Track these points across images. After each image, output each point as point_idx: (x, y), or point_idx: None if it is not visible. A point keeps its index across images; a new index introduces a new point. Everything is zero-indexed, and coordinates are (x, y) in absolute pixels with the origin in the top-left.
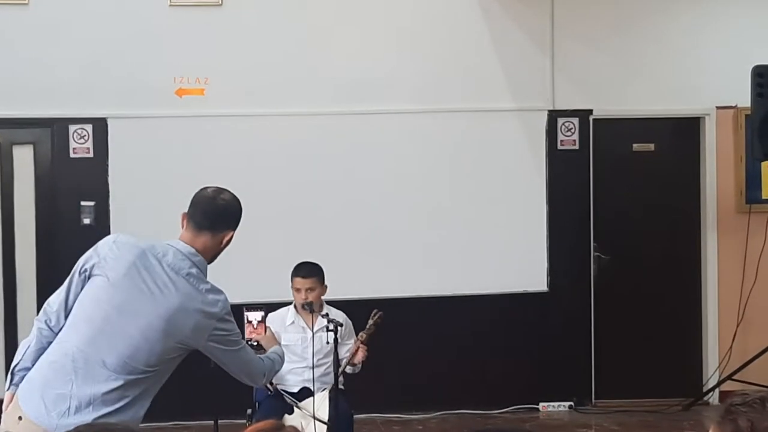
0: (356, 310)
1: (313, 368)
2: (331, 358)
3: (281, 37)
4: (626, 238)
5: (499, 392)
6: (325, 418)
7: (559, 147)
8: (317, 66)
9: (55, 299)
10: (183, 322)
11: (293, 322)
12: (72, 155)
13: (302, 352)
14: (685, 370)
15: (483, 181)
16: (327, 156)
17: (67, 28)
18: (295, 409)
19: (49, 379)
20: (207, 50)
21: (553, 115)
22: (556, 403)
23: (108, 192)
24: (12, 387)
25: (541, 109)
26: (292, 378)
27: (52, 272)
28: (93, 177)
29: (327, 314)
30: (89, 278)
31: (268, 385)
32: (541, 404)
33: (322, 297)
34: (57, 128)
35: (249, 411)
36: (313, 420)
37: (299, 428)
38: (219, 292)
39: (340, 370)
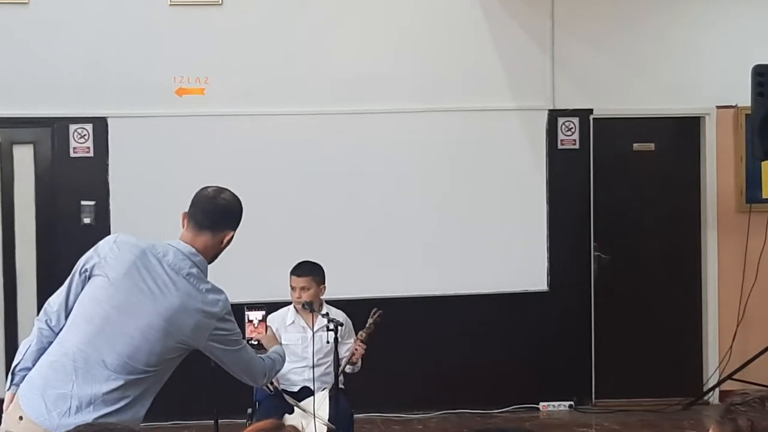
0: (356, 309)
1: (313, 368)
2: (331, 358)
3: (281, 36)
4: (626, 238)
5: (499, 392)
6: (326, 417)
7: (560, 146)
8: (317, 65)
9: (56, 299)
10: (183, 322)
11: (293, 322)
12: (72, 155)
13: (302, 351)
14: (686, 369)
15: (483, 181)
16: (327, 155)
17: (68, 27)
18: (296, 408)
19: (50, 379)
20: (207, 50)
21: (554, 115)
22: (556, 403)
23: (108, 191)
24: (12, 387)
25: (541, 108)
26: (292, 377)
27: (52, 271)
28: (93, 176)
29: (327, 314)
30: (89, 278)
31: (269, 385)
32: (542, 404)
33: (322, 297)
34: (57, 127)
35: (249, 410)
36: (313, 419)
37: (299, 428)
38: (219, 291)
39: (340, 369)
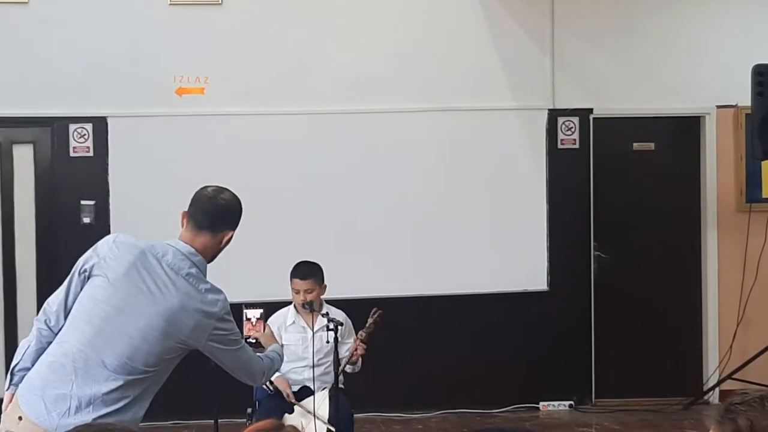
0: (356, 309)
1: (313, 367)
2: (331, 358)
3: (281, 36)
4: (626, 237)
5: (499, 391)
6: (326, 417)
7: (560, 146)
8: (318, 65)
9: (55, 299)
10: (183, 322)
11: (294, 322)
12: (72, 154)
13: (303, 351)
14: (686, 369)
15: (483, 180)
16: (327, 155)
17: (67, 26)
18: (296, 408)
19: (49, 380)
20: (207, 49)
21: (554, 114)
22: (556, 403)
23: (108, 191)
24: (12, 387)
25: (541, 108)
26: (292, 377)
27: (52, 271)
28: (93, 176)
29: (327, 313)
30: (89, 278)
31: (269, 385)
32: (542, 403)
33: (322, 296)
34: (57, 127)
35: (249, 410)
36: (313, 419)
37: (299, 428)
38: (218, 291)
39: (340, 369)
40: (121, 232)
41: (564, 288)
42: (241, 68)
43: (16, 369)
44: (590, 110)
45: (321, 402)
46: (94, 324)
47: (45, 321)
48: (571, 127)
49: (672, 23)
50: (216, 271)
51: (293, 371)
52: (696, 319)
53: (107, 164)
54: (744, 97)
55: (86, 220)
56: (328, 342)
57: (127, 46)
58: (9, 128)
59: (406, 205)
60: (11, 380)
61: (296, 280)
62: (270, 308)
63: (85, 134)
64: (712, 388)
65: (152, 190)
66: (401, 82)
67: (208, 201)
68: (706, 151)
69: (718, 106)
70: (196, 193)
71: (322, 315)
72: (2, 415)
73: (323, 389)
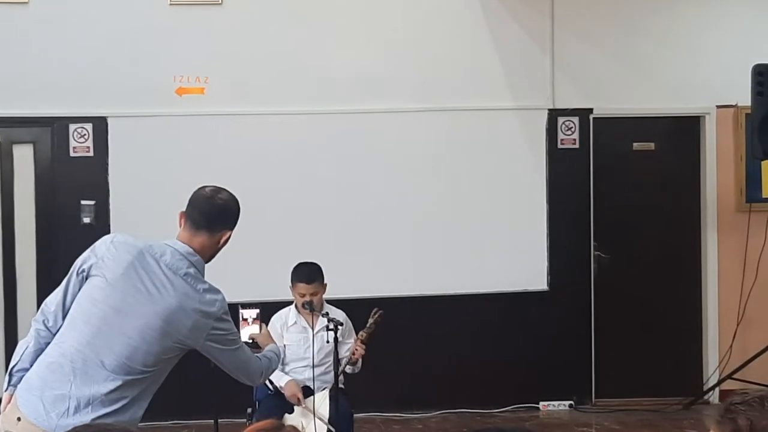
0: (356, 309)
1: (313, 367)
2: (331, 358)
3: (281, 36)
4: (626, 237)
5: (499, 391)
6: (326, 417)
7: (560, 146)
8: (318, 65)
9: (53, 299)
10: (181, 322)
11: (295, 323)
12: (72, 154)
13: (304, 351)
14: (686, 369)
15: (483, 180)
16: (326, 155)
17: (67, 26)
18: (296, 408)
19: (48, 380)
20: (207, 49)
21: (554, 114)
22: (556, 402)
23: (108, 191)
24: (10, 388)
25: (541, 107)
26: (293, 377)
27: (52, 271)
28: (93, 176)
29: (327, 313)
30: (87, 278)
31: (269, 385)
32: (542, 403)
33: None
34: (57, 127)
35: (249, 410)
36: (313, 419)
37: (299, 428)
38: (217, 291)
39: (340, 369)
40: (119, 232)
41: (564, 288)
42: (241, 68)
43: (15, 370)
44: (590, 110)
45: (321, 402)
46: (93, 324)
47: (43, 321)
48: (571, 127)
49: (672, 23)
50: (214, 271)
51: (294, 371)
52: (696, 319)
53: (107, 164)
54: (744, 97)
55: (86, 220)
56: (328, 342)
57: (127, 46)
58: (9, 128)
59: (405, 205)
60: (10, 381)
61: (301, 285)
62: (267, 308)
63: (85, 134)
64: (712, 388)
65: (152, 190)
66: (401, 82)
67: (206, 201)
68: (706, 151)
69: (718, 106)
70: (194, 193)
71: (323, 315)
72: (1, 416)
73: (323, 389)
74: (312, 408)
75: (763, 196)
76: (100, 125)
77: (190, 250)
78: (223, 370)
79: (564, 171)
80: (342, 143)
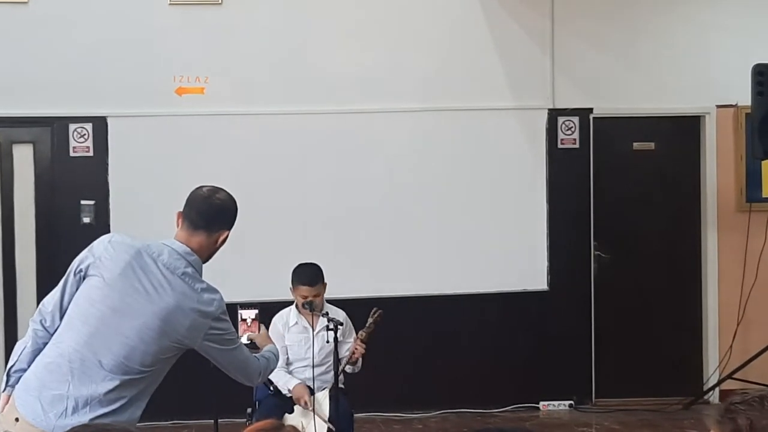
0: (356, 309)
1: (313, 367)
2: (332, 357)
3: (281, 35)
4: (626, 237)
5: (499, 391)
6: (326, 416)
7: (560, 145)
8: (317, 65)
9: (50, 300)
10: (179, 322)
11: (296, 323)
12: (72, 154)
13: (305, 352)
14: (686, 368)
15: (483, 180)
16: (326, 154)
17: (67, 26)
18: (296, 407)
19: (46, 381)
20: (207, 49)
21: (554, 114)
22: (556, 402)
23: (108, 191)
24: (8, 389)
25: (541, 107)
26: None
27: (52, 271)
28: (93, 176)
29: (327, 313)
30: (84, 278)
31: (268, 384)
32: (542, 403)
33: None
34: (57, 127)
35: (249, 410)
36: (313, 419)
37: (299, 427)
38: (214, 291)
39: (340, 368)
40: (117, 232)
41: (564, 288)
42: (240, 68)
43: (13, 370)
44: (590, 110)
45: (321, 402)
46: (90, 324)
47: (41, 321)
48: (571, 127)
49: (672, 23)
50: (213, 271)
51: (294, 371)
52: (696, 318)
53: (107, 164)
54: (744, 97)
55: (86, 219)
56: (328, 342)
57: (126, 46)
58: (9, 128)
59: (405, 205)
60: (7, 381)
61: (303, 287)
62: (266, 308)
63: (84, 134)
64: (713, 387)
65: (152, 190)
66: (401, 82)
67: (203, 201)
68: (706, 151)
69: (718, 106)
70: (191, 193)
71: (323, 315)
72: None
73: (323, 389)
74: (312, 408)
75: (763, 195)
76: (100, 125)
77: (188, 249)
78: (222, 370)
79: (564, 171)
80: (342, 143)
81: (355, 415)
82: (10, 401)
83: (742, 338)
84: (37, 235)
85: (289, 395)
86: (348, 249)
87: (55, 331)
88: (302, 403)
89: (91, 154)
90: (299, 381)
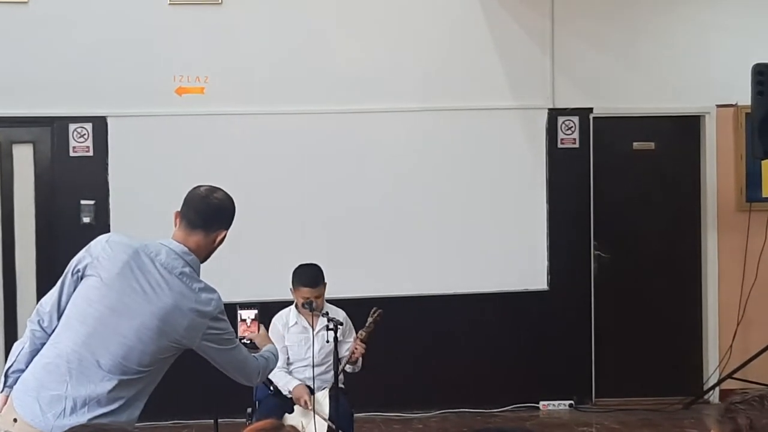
0: (356, 309)
1: (313, 367)
2: (332, 357)
3: (281, 35)
4: (626, 237)
5: (499, 391)
6: (326, 416)
7: (560, 145)
8: (317, 64)
9: (48, 300)
10: (177, 322)
11: (296, 323)
12: (72, 154)
13: (305, 352)
14: (686, 368)
15: (483, 180)
16: (326, 154)
17: (67, 26)
18: (296, 408)
19: (44, 381)
20: (207, 49)
21: (554, 114)
22: (556, 402)
23: (108, 191)
24: (6, 389)
25: (541, 107)
26: (293, 376)
27: (52, 271)
28: (93, 176)
29: (327, 313)
30: (82, 278)
31: (268, 384)
32: (542, 403)
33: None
34: (57, 127)
35: (249, 410)
36: (313, 419)
37: (299, 427)
38: (212, 290)
39: (340, 368)
40: (114, 232)
41: (564, 287)
42: (241, 68)
43: (10, 371)
44: (590, 110)
45: (321, 401)
46: (88, 324)
47: (38, 322)
48: (571, 127)
49: (672, 23)
50: (212, 271)
51: (294, 371)
52: (696, 318)
53: (107, 164)
54: (744, 97)
55: (86, 219)
56: (328, 342)
57: (126, 46)
58: (9, 128)
59: (405, 205)
60: (5, 382)
61: (305, 289)
62: (265, 309)
63: (84, 134)
64: (713, 387)
65: (152, 190)
66: (401, 82)
67: (201, 200)
68: (706, 151)
69: (718, 106)
70: (189, 192)
71: (323, 315)
72: None
73: (323, 389)
74: (312, 408)
75: (763, 195)
76: (99, 125)
77: (186, 249)
78: (221, 371)
79: (564, 171)
80: (342, 143)
81: (355, 414)
82: (8, 402)
83: (742, 338)
84: (37, 235)
85: (289, 396)
86: (348, 249)
87: (53, 331)
88: (302, 403)
89: (91, 154)
90: (299, 382)
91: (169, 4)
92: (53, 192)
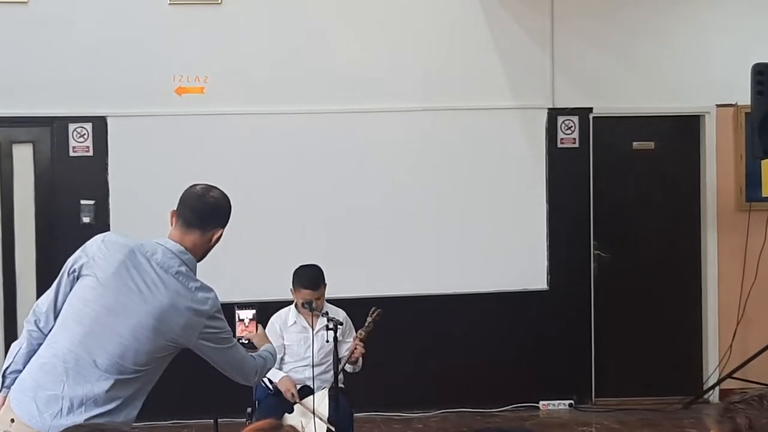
0: (356, 309)
1: (313, 367)
2: (331, 357)
3: (281, 35)
4: (626, 237)
5: (499, 391)
6: (325, 416)
7: (559, 145)
8: (317, 64)
9: (44, 300)
10: (173, 321)
11: (295, 322)
12: (72, 154)
13: (304, 351)
14: (686, 368)
15: (483, 179)
16: (326, 154)
17: (67, 26)
18: (295, 407)
19: (41, 381)
20: (206, 49)
21: (553, 113)
22: (556, 402)
23: (108, 190)
24: (4, 390)
25: (541, 107)
26: (293, 376)
27: (52, 271)
28: (92, 175)
29: (327, 313)
30: (78, 278)
31: (268, 384)
32: (542, 403)
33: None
34: (56, 127)
35: (249, 410)
36: (313, 419)
37: (299, 427)
38: (209, 289)
39: (340, 368)
40: (110, 232)
41: (564, 287)
42: (240, 68)
43: (8, 372)
44: (590, 109)
45: (321, 401)
46: (85, 324)
47: (35, 322)
48: (571, 126)
49: (672, 23)
50: (210, 271)
51: (294, 371)
52: (696, 318)
53: (107, 164)
54: (744, 96)
55: (86, 219)
56: (328, 341)
57: (126, 46)
58: (9, 128)
59: (405, 205)
60: (3, 383)
61: (307, 291)
62: (263, 308)
63: (84, 134)
64: (712, 387)
65: (152, 190)
66: (401, 81)
67: (197, 199)
68: (705, 150)
69: (718, 105)
70: (185, 191)
71: (322, 315)
72: None
73: (323, 389)
74: (311, 407)
75: (763, 195)
76: (99, 125)
77: (182, 248)
78: (219, 370)
79: (564, 170)
80: (341, 142)
81: (355, 414)
82: (6, 402)
83: (741, 337)
84: (37, 235)
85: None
86: (347, 248)
87: (50, 331)
88: (289, 396)
89: (90, 153)
90: (284, 374)
91: (169, 4)
92: (53, 192)
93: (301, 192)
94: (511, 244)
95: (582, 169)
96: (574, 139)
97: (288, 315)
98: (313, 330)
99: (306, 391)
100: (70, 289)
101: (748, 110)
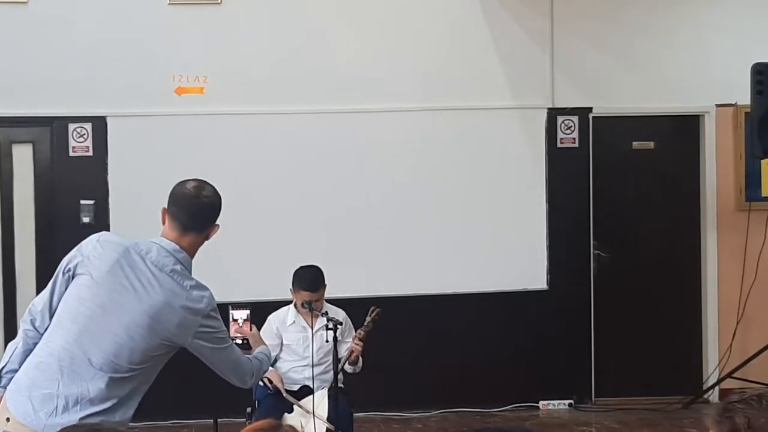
0: (356, 308)
1: (312, 366)
2: (331, 357)
3: (281, 34)
4: (626, 236)
5: (499, 390)
6: (325, 416)
7: (559, 145)
8: (317, 64)
9: (40, 300)
10: (168, 319)
11: (294, 322)
12: (71, 154)
13: (303, 351)
14: (685, 368)
15: (482, 179)
16: (326, 154)
17: (66, 26)
18: (295, 407)
19: (36, 380)
20: (206, 48)
21: (553, 113)
22: (556, 402)
23: (107, 190)
24: (0, 389)
25: (540, 107)
26: (292, 376)
27: (52, 271)
28: (92, 175)
29: (326, 312)
30: (73, 277)
31: (268, 384)
32: (541, 402)
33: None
34: (56, 127)
35: (248, 410)
36: (312, 419)
37: (298, 427)
38: (204, 288)
39: (339, 367)
40: (105, 232)
41: (564, 287)
42: (240, 67)
43: (4, 371)
44: (590, 109)
45: (320, 401)
46: (80, 323)
47: (31, 321)
48: (571, 126)
49: (671, 23)
50: (206, 270)
51: (293, 370)
52: (696, 317)
53: (107, 164)
54: (743, 96)
55: (86, 219)
56: (327, 341)
57: (126, 46)
58: (8, 128)
59: (404, 204)
60: None
61: (306, 293)
62: (260, 309)
63: (84, 134)
64: (712, 386)
65: (152, 190)
66: (401, 81)
67: (192, 201)
68: (705, 150)
69: (718, 105)
70: (176, 189)
71: (322, 314)
72: None
73: (323, 388)
74: (309, 407)
75: (763, 194)
76: (99, 125)
77: (177, 247)
78: (214, 371)
79: (563, 170)
80: (341, 142)
81: (355, 414)
82: (2, 402)
83: (741, 337)
84: (37, 235)
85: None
86: (347, 248)
87: (46, 330)
88: (280, 385)
89: (90, 153)
90: (272, 368)
91: (169, 4)
92: (53, 192)
93: (301, 192)
94: (511, 244)
95: (582, 168)
96: (574, 138)
97: (287, 314)
98: (312, 330)
99: (305, 391)
100: (66, 288)
101: (748, 110)
